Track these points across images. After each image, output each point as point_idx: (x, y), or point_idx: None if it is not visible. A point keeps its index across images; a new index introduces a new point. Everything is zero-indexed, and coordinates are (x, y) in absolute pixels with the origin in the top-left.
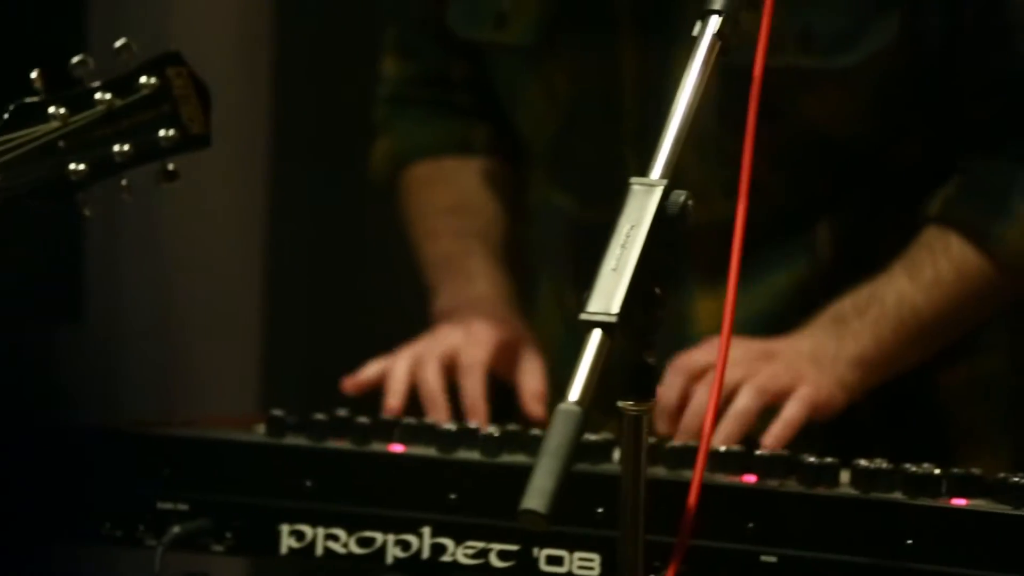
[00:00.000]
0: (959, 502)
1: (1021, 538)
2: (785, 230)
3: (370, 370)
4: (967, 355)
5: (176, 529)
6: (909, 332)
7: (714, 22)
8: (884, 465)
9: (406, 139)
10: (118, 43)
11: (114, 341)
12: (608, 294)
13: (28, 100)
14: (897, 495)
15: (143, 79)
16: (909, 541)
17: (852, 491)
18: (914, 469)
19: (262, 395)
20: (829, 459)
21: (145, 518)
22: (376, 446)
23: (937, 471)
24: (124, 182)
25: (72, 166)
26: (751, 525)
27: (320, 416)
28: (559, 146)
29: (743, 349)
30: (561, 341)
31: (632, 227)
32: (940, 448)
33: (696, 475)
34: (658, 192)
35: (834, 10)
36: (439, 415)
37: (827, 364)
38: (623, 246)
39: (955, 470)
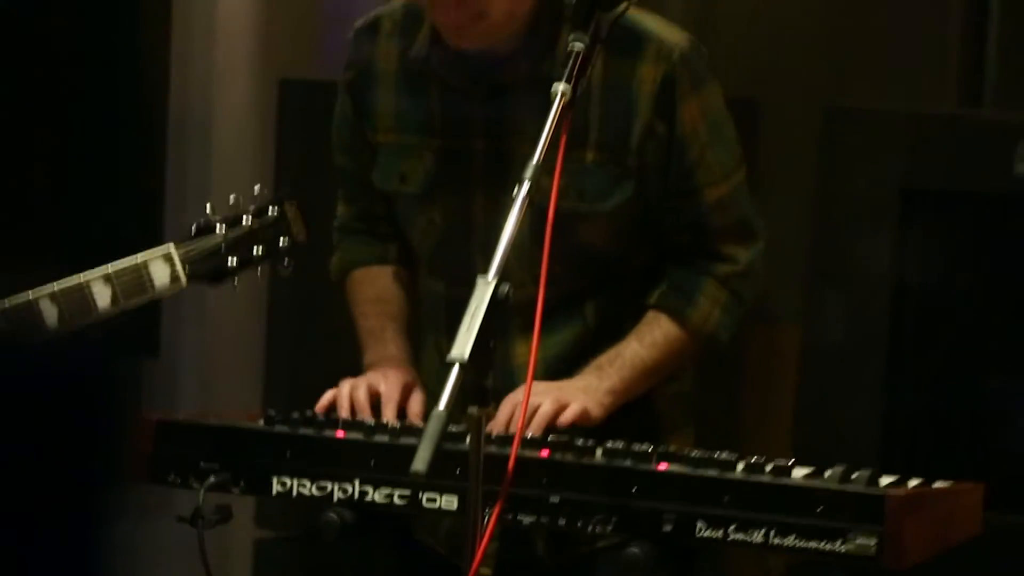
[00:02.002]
0: (663, 466)
1: (705, 489)
2: (567, 306)
3: (326, 397)
4: (671, 378)
5: (212, 479)
6: (638, 375)
7: (525, 186)
8: (620, 445)
9: (348, 255)
10: (255, 188)
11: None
12: (463, 345)
13: (203, 221)
14: (627, 463)
15: (271, 210)
16: (634, 489)
17: (601, 460)
18: (637, 447)
19: (263, 400)
20: (591, 441)
21: (193, 471)
22: (327, 433)
23: (650, 448)
24: (259, 270)
25: (229, 261)
26: (544, 480)
27: (295, 414)
28: (436, 253)
29: (544, 385)
30: (437, 372)
31: (477, 306)
32: (657, 434)
33: (513, 451)
34: (492, 285)
35: (598, 176)
36: (365, 416)
37: (592, 393)
38: (471, 317)
39: (661, 448)
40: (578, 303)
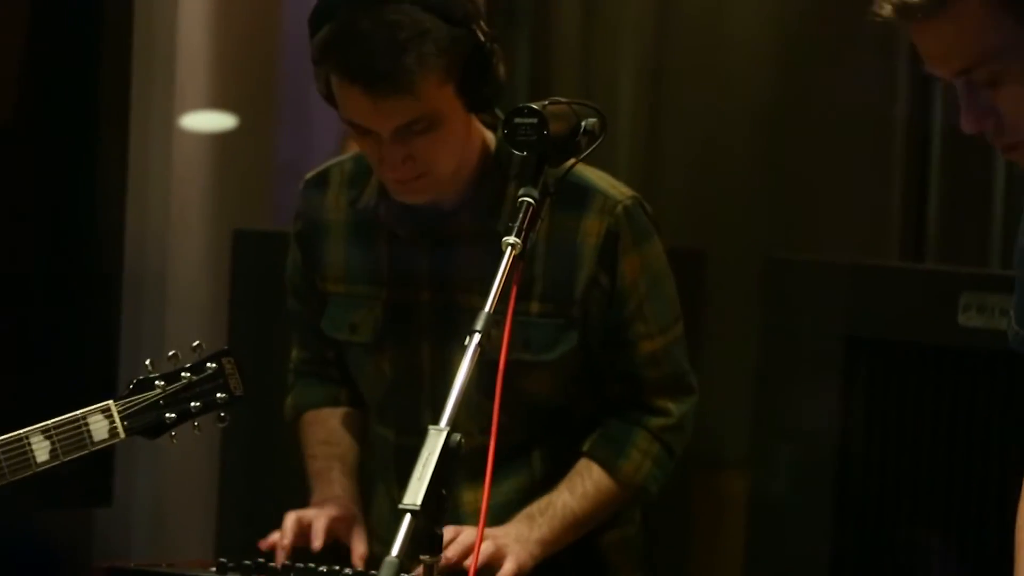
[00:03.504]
0: None
1: None
2: (514, 455)
3: (270, 537)
4: (616, 525)
5: None
6: (568, 525)
7: (476, 337)
8: None
9: (301, 398)
10: (194, 344)
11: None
12: (415, 492)
13: (142, 377)
14: None
15: (208, 364)
16: None
17: None
18: None
19: (216, 548)
20: None
21: None
22: None
23: None
24: (196, 423)
25: (167, 415)
26: None
27: (247, 561)
28: (384, 402)
29: (474, 533)
30: (388, 519)
31: (429, 454)
32: None
33: None
34: (444, 434)
35: (543, 328)
36: (284, 540)
37: (523, 543)
38: (424, 465)
39: None
40: (525, 452)
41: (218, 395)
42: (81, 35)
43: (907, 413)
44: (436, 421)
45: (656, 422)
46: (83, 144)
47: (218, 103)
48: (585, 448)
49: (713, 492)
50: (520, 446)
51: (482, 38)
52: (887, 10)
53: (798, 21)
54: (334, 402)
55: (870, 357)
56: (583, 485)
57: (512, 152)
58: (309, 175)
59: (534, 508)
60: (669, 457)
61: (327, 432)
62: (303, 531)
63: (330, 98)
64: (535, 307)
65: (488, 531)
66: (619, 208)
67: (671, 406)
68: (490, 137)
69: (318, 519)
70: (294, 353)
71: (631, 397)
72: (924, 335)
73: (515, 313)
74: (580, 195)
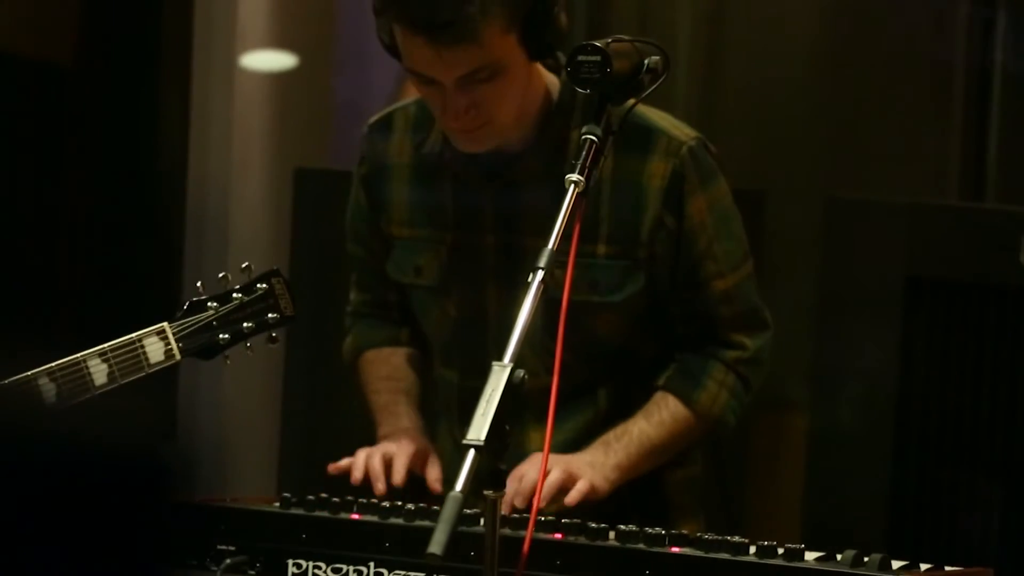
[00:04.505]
0: (676, 549)
1: (718, 572)
2: (580, 393)
3: (343, 461)
4: (681, 464)
5: (228, 561)
6: (645, 452)
7: (540, 274)
8: (634, 528)
9: (361, 337)
10: (243, 265)
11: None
12: (479, 428)
13: (195, 298)
14: (640, 545)
15: (259, 285)
16: (647, 571)
17: (615, 543)
18: (650, 530)
19: (278, 483)
20: (603, 524)
21: (210, 554)
22: (343, 515)
23: (663, 531)
24: (248, 344)
25: (220, 336)
26: (558, 562)
27: (310, 497)
28: (450, 344)
29: (552, 457)
30: (451, 456)
31: (493, 391)
32: (667, 519)
33: (528, 534)
34: (508, 370)
35: (609, 270)
36: (379, 485)
37: (598, 468)
38: (487, 401)
39: (673, 531)
40: (591, 391)
41: (269, 315)
42: None
43: (967, 352)
44: (502, 358)
45: (731, 354)
46: (146, 84)
47: (278, 43)
48: (661, 382)
49: (773, 432)
50: (586, 385)
51: None
52: None
53: None
54: (395, 342)
55: (930, 297)
56: (659, 415)
57: (575, 97)
58: (372, 119)
59: (610, 435)
60: (745, 389)
61: (390, 368)
62: (386, 464)
63: (392, 49)
64: (601, 249)
65: (560, 457)
66: (684, 149)
67: (746, 340)
68: (553, 82)
69: (399, 457)
70: (353, 296)
71: (706, 335)
72: (984, 274)
73: (581, 255)
74: (644, 136)
